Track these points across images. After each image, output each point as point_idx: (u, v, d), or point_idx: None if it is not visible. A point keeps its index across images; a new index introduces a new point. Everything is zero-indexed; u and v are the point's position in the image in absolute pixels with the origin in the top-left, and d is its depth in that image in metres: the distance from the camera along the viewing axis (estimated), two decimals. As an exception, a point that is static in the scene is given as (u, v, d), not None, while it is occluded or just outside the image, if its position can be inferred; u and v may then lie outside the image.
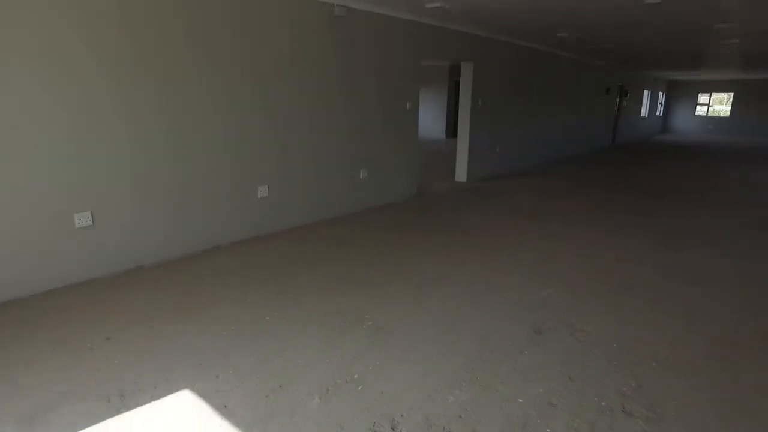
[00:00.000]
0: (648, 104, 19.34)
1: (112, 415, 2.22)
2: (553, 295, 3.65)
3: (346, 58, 5.60)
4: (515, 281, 3.90)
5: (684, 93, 22.04)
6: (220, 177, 4.57)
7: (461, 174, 8.35)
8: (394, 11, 6.02)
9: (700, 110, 21.94)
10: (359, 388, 2.44)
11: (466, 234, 5.23)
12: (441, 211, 6.24)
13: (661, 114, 21.86)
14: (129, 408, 2.27)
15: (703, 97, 21.74)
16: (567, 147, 12.20)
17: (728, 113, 21.21)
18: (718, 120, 21.53)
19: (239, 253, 4.47)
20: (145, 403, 2.31)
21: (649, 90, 19.00)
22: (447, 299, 3.53)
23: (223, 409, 2.26)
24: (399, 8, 5.93)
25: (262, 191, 4.99)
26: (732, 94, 20.91)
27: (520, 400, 2.36)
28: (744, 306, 3.54)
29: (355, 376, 2.53)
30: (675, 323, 3.22)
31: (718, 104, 21.77)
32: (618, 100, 15.44)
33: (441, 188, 7.72)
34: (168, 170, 4.17)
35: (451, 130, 15.08)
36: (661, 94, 21.12)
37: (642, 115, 18.92)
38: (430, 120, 15.79)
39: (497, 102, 8.72)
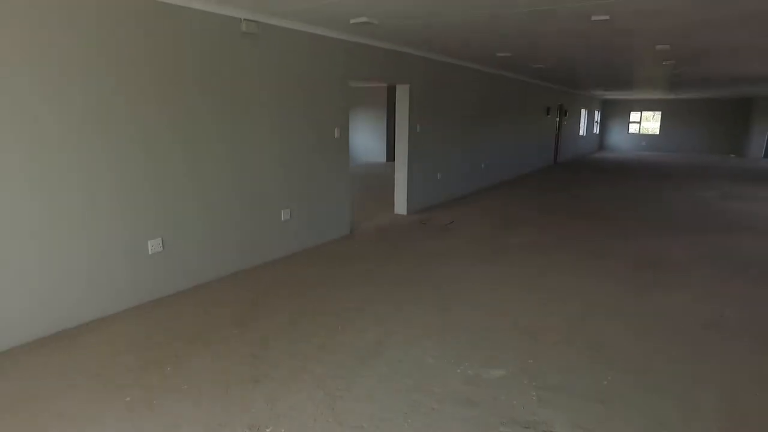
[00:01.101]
0: (585, 123, 19.57)
1: None
2: (506, 383, 2.90)
3: (263, 81, 4.75)
4: (462, 353, 3.14)
5: (617, 111, 22.61)
6: (91, 233, 3.57)
7: (401, 206, 7.62)
8: (316, 28, 5.25)
9: (633, 128, 22.56)
10: None
11: (405, 285, 4.44)
12: (375, 255, 5.44)
13: (597, 132, 22.28)
14: None
15: (634, 115, 22.37)
16: (512, 168, 11.81)
17: (657, 131, 21.92)
18: (649, 137, 22.18)
19: (105, 333, 3.46)
20: None
21: (585, 109, 19.24)
22: (374, 395, 2.70)
23: None
24: (321, 24, 5.17)
25: (154, 246, 4.01)
26: (660, 112, 21.65)
27: None
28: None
29: None
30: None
31: (647, 122, 22.42)
32: (558, 119, 15.37)
33: (378, 224, 6.94)
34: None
35: (392, 153, 14.47)
36: (596, 112, 21.53)
37: (580, 134, 19.10)
38: (369, 143, 15.13)
39: (437, 126, 8.10)
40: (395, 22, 5.04)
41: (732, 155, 20.16)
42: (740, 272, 4.98)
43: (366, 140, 15.19)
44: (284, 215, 5.25)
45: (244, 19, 4.44)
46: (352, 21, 4.92)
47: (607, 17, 4.46)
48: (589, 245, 5.91)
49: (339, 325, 3.63)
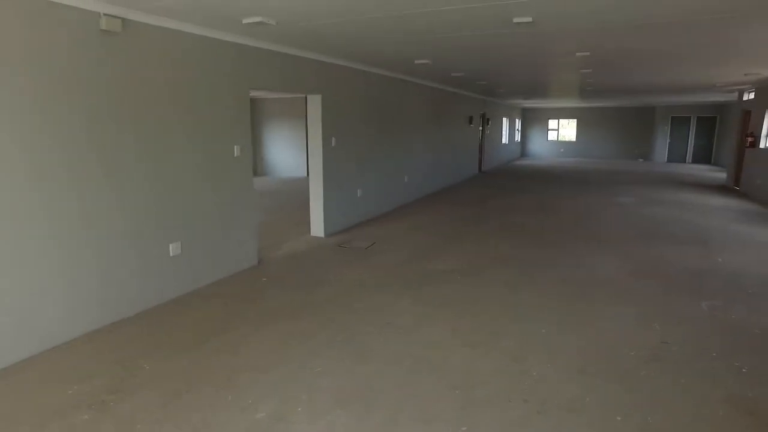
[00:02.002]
0: (507, 131, 19.84)
1: None
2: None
3: (132, 92, 3.90)
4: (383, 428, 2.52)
5: (537, 120, 23.23)
6: None
7: (317, 228, 6.92)
8: (205, 29, 4.48)
9: (552, 135, 23.26)
10: None
11: (314, 332, 3.75)
12: (282, 290, 4.72)
13: (519, 140, 22.74)
14: None
15: (552, 123, 23.08)
16: (436, 180, 11.46)
17: (574, 138, 22.74)
18: (567, 144, 22.95)
19: None
20: None
21: (507, 118, 19.50)
22: None
23: None
24: (209, 25, 4.41)
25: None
26: (576, 120, 22.47)
27: None
28: None
29: None
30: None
31: (564, 129, 23.20)
32: (481, 128, 15.33)
33: (292, 249, 6.20)
34: None
35: (314, 165, 13.73)
36: (517, 121, 21.96)
37: (503, 142, 19.31)
38: (288, 157, 14.30)
39: (355, 139, 7.50)
40: (296, 24, 4.39)
41: (641, 159, 21.22)
42: (672, 291, 4.74)
43: (284, 154, 14.36)
44: (173, 249, 4.41)
45: (104, 14, 3.60)
46: (245, 21, 4.22)
47: (529, 19, 4.06)
48: (518, 267, 5.51)
49: (228, 395, 2.88)
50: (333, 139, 6.87)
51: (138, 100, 3.97)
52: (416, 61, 6.91)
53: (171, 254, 4.38)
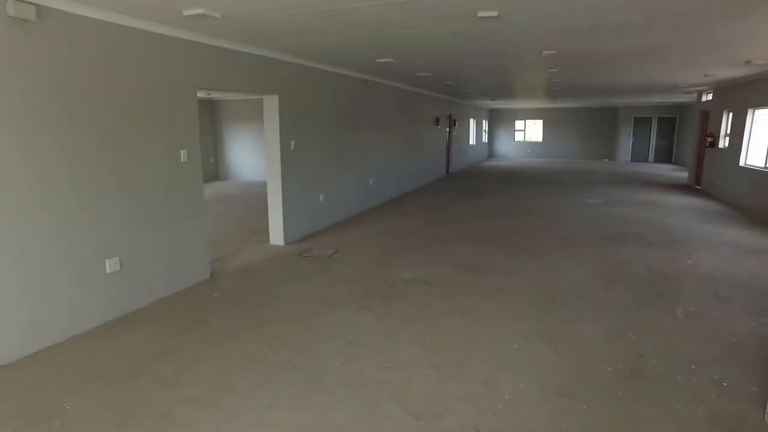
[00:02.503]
0: (474, 132, 19.78)
1: None
2: None
3: (59, 91, 3.47)
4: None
5: (504, 120, 23.31)
6: None
7: (277, 236, 6.54)
8: (140, 21, 4.05)
9: (519, 136, 23.36)
10: None
11: (266, 359, 3.40)
12: (234, 309, 4.33)
13: (486, 141, 22.75)
14: None
15: (519, 124, 23.19)
16: (402, 183, 11.19)
17: (541, 138, 22.90)
18: (534, 144, 23.09)
19: None
20: None
21: (474, 119, 19.44)
22: None
23: None
24: (144, 16, 4.00)
25: None
26: (542, 121, 22.64)
27: None
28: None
29: None
30: None
31: (531, 130, 23.33)
32: (448, 129, 15.17)
33: (249, 260, 5.80)
34: None
35: (277, 169, 13.26)
36: (484, 122, 21.96)
37: (470, 143, 19.24)
38: (249, 160, 13.79)
39: (315, 141, 7.15)
40: (243, 17, 4.03)
41: (605, 159, 21.52)
42: (645, 297, 4.57)
43: (247, 157, 13.83)
44: (111, 266, 3.97)
45: (12, -2, 3.15)
46: (186, 13, 3.83)
47: (494, 13, 3.81)
48: (487, 274, 5.27)
49: (159, 439, 2.51)
50: (292, 143, 6.51)
51: (62, 99, 3.53)
52: (378, 60, 6.61)
53: (108, 271, 3.94)
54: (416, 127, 11.97)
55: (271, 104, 6.20)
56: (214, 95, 12.15)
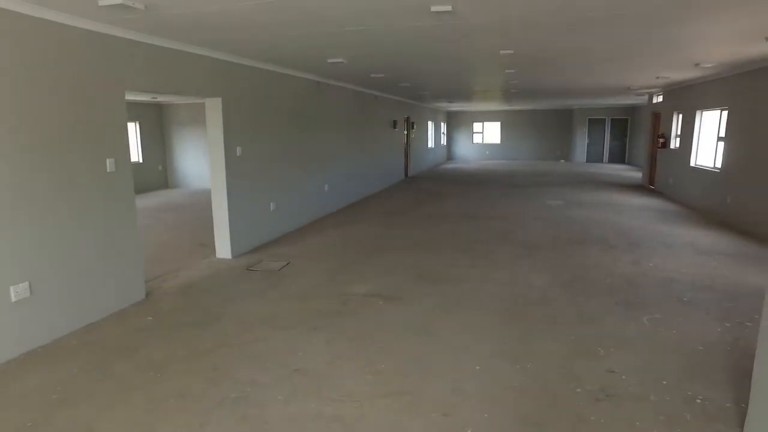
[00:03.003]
0: (433, 135, 19.68)
1: None
2: None
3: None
4: None
5: (462, 123, 23.34)
6: None
7: (223, 248, 6.08)
8: (50, 11, 3.57)
9: (477, 138, 23.44)
10: None
11: (203, 397, 2.99)
12: (168, 335, 3.89)
13: (445, 143, 22.71)
14: None
15: (477, 126, 23.27)
16: (360, 188, 10.86)
17: (498, 140, 23.05)
18: (492, 146, 23.22)
19: None
20: None
21: (432, 121, 19.33)
22: None
23: None
24: (53, 6, 3.52)
25: None
26: (499, 123, 22.79)
27: None
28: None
29: None
30: None
31: (489, 132, 23.44)
32: (406, 132, 14.95)
33: (191, 276, 5.34)
34: None
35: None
36: (443, 124, 21.91)
37: (429, 146, 19.11)
38: (199, 166, 13.11)
39: (267, 147, 6.74)
40: (170, 10, 3.62)
41: (562, 160, 21.84)
42: (610, 305, 4.39)
43: (196, 164, 13.18)
44: (16, 293, 3.45)
45: None
46: (102, 3, 3.39)
47: (449, 8, 3.54)
48: (446, 285, 5.00)
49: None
50: (238, 149, 6.08)
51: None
52: (329, 60, 6.27)
53: (13, 299, 3.43)
54: (373, 131, 11.68)
55: (213, 108, 5.76)
56: (161, 98, 11.50)
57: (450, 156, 23.70)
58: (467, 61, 6.62)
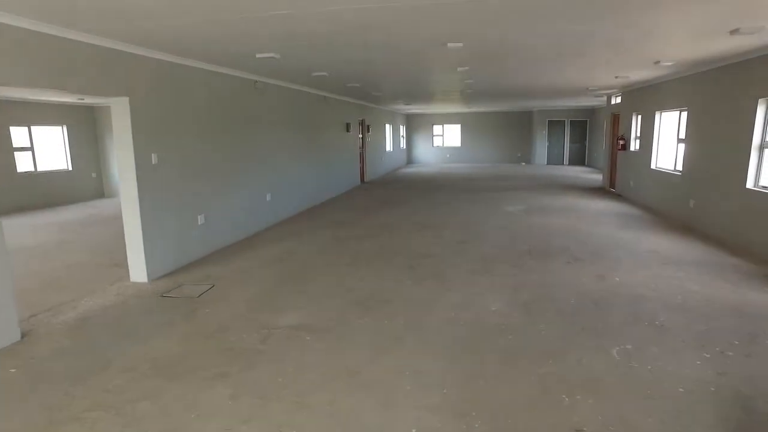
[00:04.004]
0: (391, 138, 19.09)
1: None
2: None
3: None
4: None
5: (421, 125, 22.84)
6: None
7: (138, 271, 5.26)
8: None
9: (437, 141, 23.00)
10: None
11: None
12: (45, 387, 3.08)
13: (404, 147, 22.16)
14: None
15: (437, 129, 22.83)
16: (310, 195, 10.12)
17: (459, 143, 22.67)
18: (452, 149, 22.82)
19: None
20: None
21: (390, 124, 18.74)
22: None
23: None
24: None
25: None
26: (459, 125, 22.42)
27: None
28: None
29: None
30: None
31: (449, 135, 23.03)
32: (361, 136, 14.29)
33: (91, 308, 4.50)
34: None
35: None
36: (402, 127, 21.37)
37: (387, 150, 18.51)
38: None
39: (192, 153, 5.95)
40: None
41: (523, 163, 21.63)
42: (575, 333, 3.82)
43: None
44: None
45: None
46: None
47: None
48: (390, 311, 4.35)
49: None
50: (154, 156, 5.28)
51: None
52: (258, 55, 5.54)
53: None
54: (324, 134, 10.95)
55: (119, 109, 4.95)
56: (93, 100, 10.46)
57: (410, 159, 23.18)
58: (414, 57, 5.99)
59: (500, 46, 5.29)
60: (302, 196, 9.66)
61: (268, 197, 8.13)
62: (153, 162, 5.26)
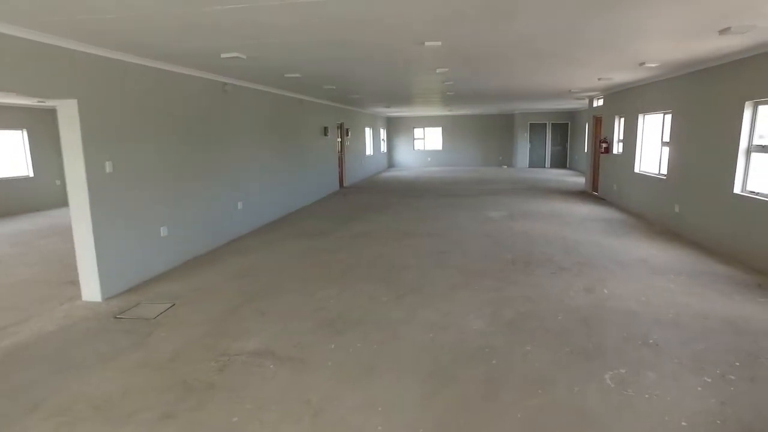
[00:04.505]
0: (371, 142, 18.75)
1: None
2: None
3: None
4: None
5: (402, 129, 22.54)
6: None
7: (91, 288, 4.82)
8: None
9: (419, 144, 22.73)
10: None
11: None
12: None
13: (385, 150, 21.83)
14: None
15: (418, 132, 22.56)
16: (285, 202, 9.71)
17: (440, 146, 22.43)
18: (434, 153, 22.57)
19: None
20: None
21: (370, 127, 18.41)
22: None
23: None
24: None
25: None
26: (441, 128, 22.19)
27: None
28: None
29: None
30: None
31: (430, 138, 22.78)
32: (340, 140, 13.92)
33: (32, 334, 4.05)
34: None
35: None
36: (382, 130, 21.04)
37: (367, 154, 18.16)
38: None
39: (152, 161, 5.53)
40: None
41: (504, 166, 21.47)
42: (564, 356, 3.51)
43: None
44: None
45: None
46: None
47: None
48: (362, 334, 3.99)
49: None
50: (108, 164, 4.86)
51: None
52: (223, 55, 5.15)
53: None
54: (300, 139, 10.56)
55: (67, 112, 4.52)
56: (51, 103, 9.90)
57: (391, 163, 22.86)
58: (390, 56, 5.66)
59: (480, 47, 4.99)
60: (277, 203, 9.25)
61: (240, 205, 7.71)
62: (107, 170, 4.84)
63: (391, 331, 3.95)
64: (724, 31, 4.47)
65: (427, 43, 4.72)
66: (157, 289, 5.15)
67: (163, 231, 5.76)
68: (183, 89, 6.14)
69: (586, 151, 13.21)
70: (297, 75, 7.01)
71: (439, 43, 4.72)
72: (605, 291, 4.77)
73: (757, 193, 5.69)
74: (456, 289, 4.95)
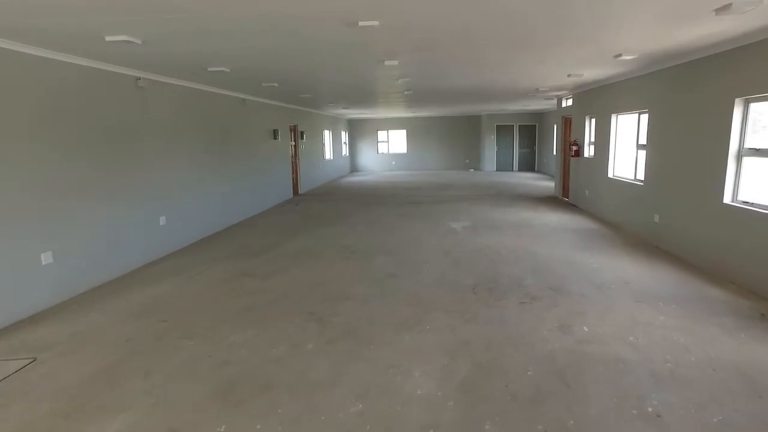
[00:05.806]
0: (331, 145, 17.71)
1: None
2: None
3: None
4: None
5: (365, 131, 21.57)
6: None
7: None
8: None
9: (382, 147, 21.81)
10: None
11: None
12: None
13: (347, 154, 20.81)
14: None
15: (382, 135, 21.65)
16: (223, 214, 8.60)
17: (405, 150, 21.57)
18: (398, 156, 21.69)
19: None
20: None
21: (330, 130, 17.36)
22: None
23: None
24: None
25: None
26: (405, 131, 21.33)
27: None
28: None
29: None
30: None
31: (394, 141, 21.90)
32: (293, 143, 12.86)
33: None
34: None
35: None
36: (344, 133, 20.02)
37: (327, 158, 17.10)
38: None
39: (35, 172, 4.39)
40: None
41: (471, 169, 20.74)
42: (535, 435, 2.58)
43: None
44: None
45: None
46: None
47: None
48: (264, 413, 2.99)
49: None
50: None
51: None
52: (108, 38, 4.07)
53: None
54: (243, 143, 9.46)
55: None
56: None
57: (354, 167, 21.84)
58: (322, 43, 4.68)
59: (428, 32, 4.06)
60: (212, 216, 8.13)
61: (162, 221, 6.59)
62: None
63: (306, 401, 2.94)
64: (722, 10, 3.66)
65: (361, 23, 3.76)
66: (23, 335, 4.03)
67: (45, 258, 4.63)
68: (81, 85, 5.01)
69: (555, 153, 12.49)
70: (223, 69, 5.96)
71: (377, 22, 3.77)
72: (585, 329, 3.89)
73: (752, 204, 4.94)
74: (402, 329, 3.99)
